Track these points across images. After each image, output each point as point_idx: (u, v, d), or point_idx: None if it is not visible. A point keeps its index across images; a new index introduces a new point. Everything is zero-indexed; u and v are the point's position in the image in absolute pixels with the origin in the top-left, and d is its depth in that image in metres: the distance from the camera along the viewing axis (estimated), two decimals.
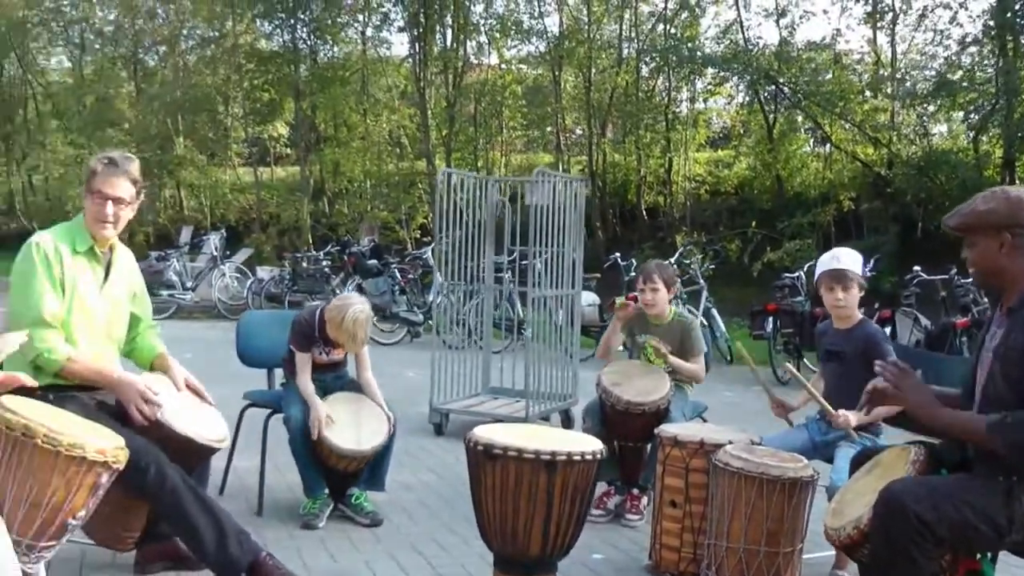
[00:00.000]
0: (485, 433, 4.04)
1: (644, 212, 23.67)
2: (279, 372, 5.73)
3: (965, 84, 18.16)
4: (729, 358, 12.62)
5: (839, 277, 4.79)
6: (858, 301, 4.85)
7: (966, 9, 19.24)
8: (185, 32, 29.27)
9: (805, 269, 12.28)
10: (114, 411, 4.11)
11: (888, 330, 10.75)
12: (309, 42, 26.48)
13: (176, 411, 4.16)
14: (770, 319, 11.38)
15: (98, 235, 4.23)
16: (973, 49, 18.77)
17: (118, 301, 4.36)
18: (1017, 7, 17.20)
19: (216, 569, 4.02)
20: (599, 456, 3.99)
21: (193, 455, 4.19)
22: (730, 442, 4.42)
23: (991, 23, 17.94)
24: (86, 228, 4.23)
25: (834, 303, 4.84)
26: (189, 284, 17.39)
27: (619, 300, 6.09)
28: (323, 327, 5.35)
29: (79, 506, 3.40)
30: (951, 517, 3.17)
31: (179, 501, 3.92)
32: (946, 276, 11.16)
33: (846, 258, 4.82)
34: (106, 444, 3.46)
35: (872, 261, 12.30)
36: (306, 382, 5.31)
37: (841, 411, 4.46)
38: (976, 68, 18.72)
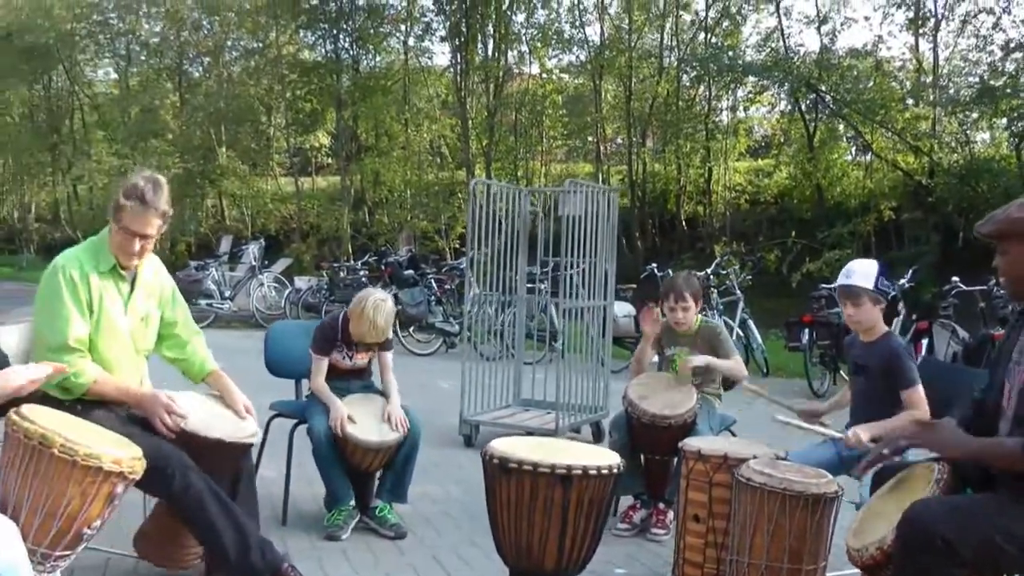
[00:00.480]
0: (501, 446, 4.02)
1: (683, 222, 23.63)
2: (307, 383, 5.74)
3: (1008, 91, 17.99)
4: (765, 370, 12.54)
5: (848, 294, 4.73)
6: (879, 313, 4.76)
7: (1009, 14, 19.07)
8: (229, 43, 29.60)
9: None
10: (142, 419, 4.13)
11: (925, 342, 10.64)
12: (351, 52, 26.72)
13: (201, 418, 4.17)
14: (806, 330, 11.28)
15: (123, 263, 4.24)
16: (1017, 55, 18.61)
17: (146, 315, 4.36)
18: None
19: None
20: (616, 471, 3.96)
21: (227, 456, 4.22)
22: (754, 456, 4.36)
23: None
24: (110, 249, 4.24)
25: (847, 318, 4.81)
26: (227, 293, 17.48)
27: (657, 309, 6.05)
28: (346, 327, 5.40)
29: (94, 516, 3.42)
30: (976, 538, 3.10)
31: (203, 508, 3.93)
32: (985, 287, 11.01)
33: (857, 274, 4.74)
34: (122, 454, 3.48)
35: (910, 272, 12.19)
36: (321, 384, 5.37)
37: (851, 430, 4.42)
38: (1020, 74, 18.54)
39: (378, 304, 5.28)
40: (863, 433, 4.40)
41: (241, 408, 4.39)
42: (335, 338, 5.45)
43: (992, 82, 18.43)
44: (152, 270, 4.41)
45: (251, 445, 4.34)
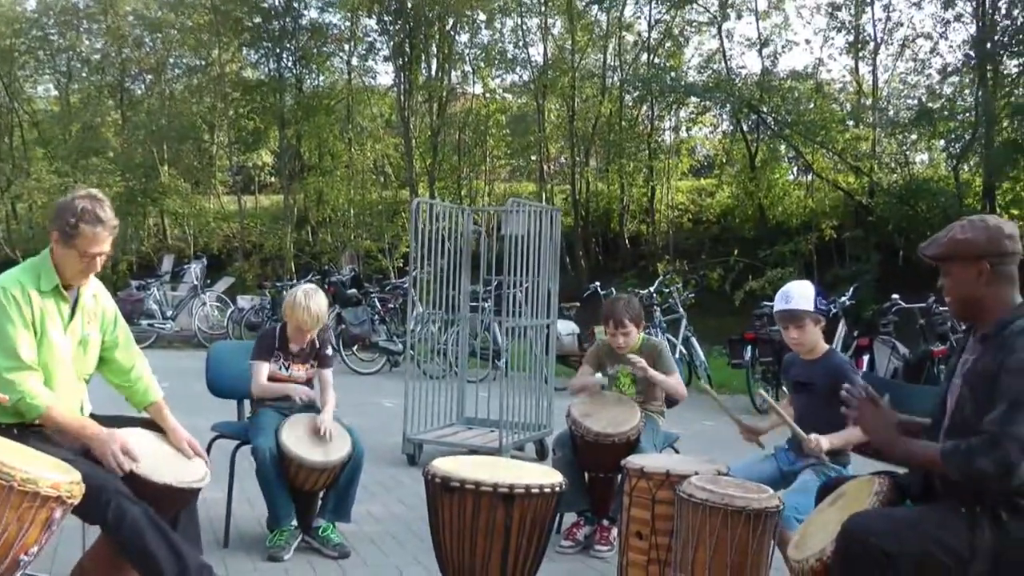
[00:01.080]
0: (443, 465, 4.02)
1: (627, 241, 23.73)
2: (249, 405, 5.70)
3: (946, 113, 18.30)
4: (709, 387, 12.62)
5: (789, 317, 4.79)
6: (819, 333, 4.82)
7: (946, 39, 19.49)
8: (171, 61, 29.33)
9: None
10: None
11: (866, 358, 10.76)
12: (295, 71, 26.65)
13: (152, 462, 4.09)
14: (748, 347, 11.38)
15: (76, 282, 4.19)
16: (954, 78, 18.99)
17: (85, 338, 4.29)
18: (996, 37, 17.35)
19: None
20: (558, 489, 3.97)
21: (176, 500, 4.13)
22: (696, 473, 4.39)
23: (971, 53, 18.12)
24: (52, 267, 4.15)
25: (791, 341, 4.85)
26: (169, 313, 17.31)
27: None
28: (284, 335, 5.49)
29: (31, 542, 3.34)
30: (913, 549, 3.15)
31: (140, 535, 3.85)
32: (924, 304, 11.17)
33: (796, 296, 4.79)
34: (60, 478, 3.40)
35: (851, 289, 12.35)
36: (265, 385, 5.44)
37: (813, 435, 4.45)
38: (956, 97, 18.91)
39: (308, 291, 5.45)
40: (824, 443, 4.43)
41: (185, 447, 4.31)
42: (273, 345, 5.48)
43: (930, 104, 18.73)
44: (92, 293, 4.35)
45: (199, 490, 4.25)
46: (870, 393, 3.58)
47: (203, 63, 28.26)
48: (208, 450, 5.28)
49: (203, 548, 4.35)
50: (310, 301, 5.40)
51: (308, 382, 5.61)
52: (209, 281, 18.71)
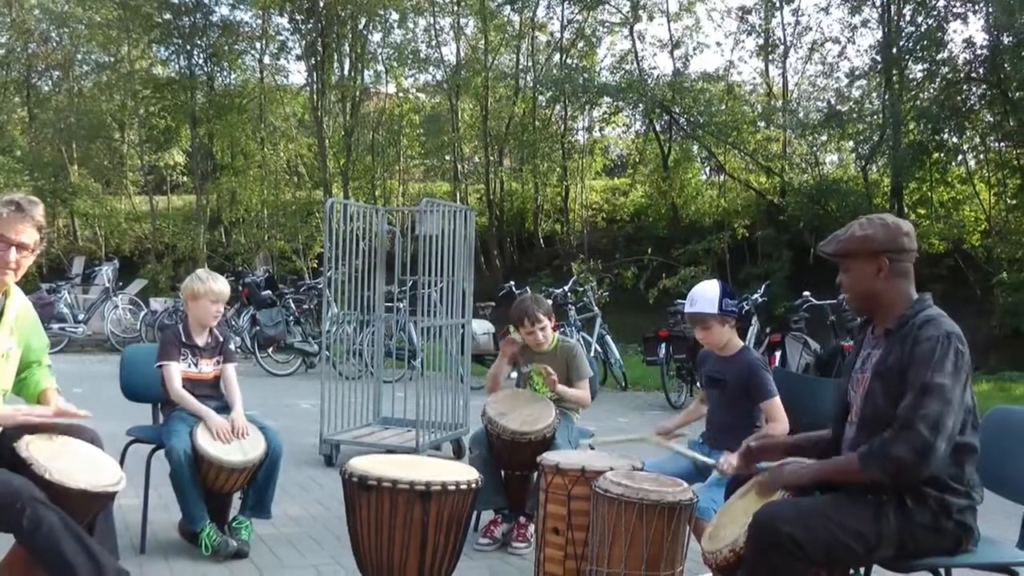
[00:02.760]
0: (360, 464, 4.03)
1: (541, 240, 23.85)
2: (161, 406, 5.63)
3: (854, 115, 18.70)
4: (624, 384, 12.73)
5: (695, 320, 4.93)
6: (729, 331, 4.91)
7: (854, 44, 19.98)
8: (80, 57, 28.82)
9: None
10: None
11: (778, 354, 10.94)
12: (206, 69, 26.35)
13: (65, 466, 4.01)
14: (663, 345, 11.51)
15: None
16: (861, 82, 19.40)
17: (7, 352, 4.21)
18: (901, 43, 17.76)
19: None
20: (474, 486, 3.99)
21: (92, 505, 4.06)
22: (611, 468, 4.43)
23: (877, 57, 18.51)
24: None
25: (701, 341, 4.97)
26: (81, 317, 17.02)
27: (512, 330, 6.08)
28: (187, 331, 5.45)
29: None
30: (822, 536, 3.25)
31: (56, 543, 3.78)
32: (835, 301, 11.39)
33: (700, 300, 4.90)
34: None
35: (763, 287, 12.55)
36: (182, 391, 5.30)
37: (724, 458, 4.52)
38: (864, 100, 19.33)
39: (204, 272, 5.55)
40: (735, 461, 4.52)
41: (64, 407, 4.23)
42: (179, 344, 5.41)
43: (839, 107, 19.17)
44: (16, 309, 4.27)
45: (116, 493, 4.17)
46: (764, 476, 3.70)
47: (112, 59, 27.83)
48: (123, 455, 5.24)
49: (120, 554, 4.29)
50: (202, 274, 5.51)
51: (216, 379, 5.58)
52: (121, 284, 18.41)
